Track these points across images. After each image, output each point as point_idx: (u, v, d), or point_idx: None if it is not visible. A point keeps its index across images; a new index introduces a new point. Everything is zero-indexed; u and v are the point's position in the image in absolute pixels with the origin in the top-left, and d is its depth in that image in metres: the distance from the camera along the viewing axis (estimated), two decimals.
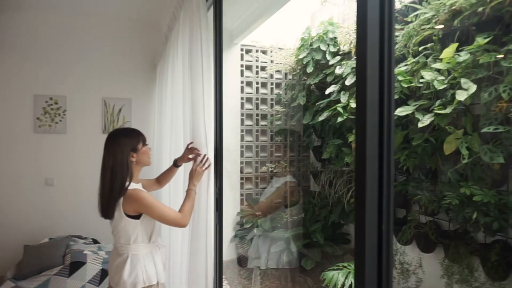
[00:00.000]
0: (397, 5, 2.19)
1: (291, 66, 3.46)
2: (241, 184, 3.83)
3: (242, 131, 3.83)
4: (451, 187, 1.87)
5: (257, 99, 3.89)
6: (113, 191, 1.53)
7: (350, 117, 2.51)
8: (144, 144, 1.66)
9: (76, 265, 2.86)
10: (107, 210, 1.56)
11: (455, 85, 1.74)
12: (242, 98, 3.83)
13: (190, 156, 1.80)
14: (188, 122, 1.91)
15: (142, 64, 3.83)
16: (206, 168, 1.71)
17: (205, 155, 1.72)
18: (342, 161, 2.86)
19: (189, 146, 1.81)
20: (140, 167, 1.69)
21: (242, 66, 3.83)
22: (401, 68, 2.04)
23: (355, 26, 0.80)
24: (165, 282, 1.70)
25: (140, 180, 1.75)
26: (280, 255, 3.27)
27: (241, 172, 3.83)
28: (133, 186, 1.58)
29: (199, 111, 1.77)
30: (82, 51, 3.64)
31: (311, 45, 3.08)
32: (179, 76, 2.27)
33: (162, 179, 1.95)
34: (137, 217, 1.56)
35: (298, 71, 3.44)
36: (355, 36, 0.83)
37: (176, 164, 1.90)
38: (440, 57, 1.80)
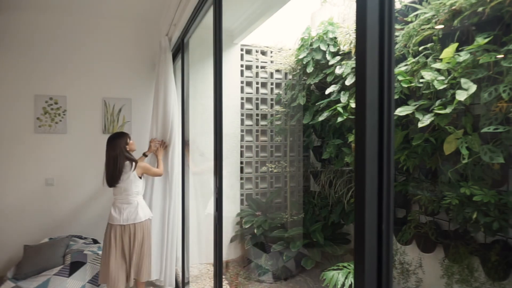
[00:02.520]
0: (397, 5, 2.19)
1: (291, 66, 3.46)
2: (241, 184, 3.84)
3: (242, 131, 3.83)
4: (451, 187, 1.87)
5: (257, 99, 3.89)
6: (117, 168, 2.64)
7: (350, 117, 2.51)
8: (130, 139, 2.79)
9: (76, 265, 2.87)
10: (114, 180, 2.65)
11: (455, 85, 1.74)
12: (242, 98, 3.83)
13: (154, 147, 3.16)
14: (160, 118, 3.23)
15: (142, 64, 3.83)
16: (166, 147, 3.19)
17: (162, 141, 3.20)
18: (342, 161, 2.86)
19: (151, 139, 3.20)
20: (131, 151, 2.80)
21: (242, 66, 3.83)
22: (401, 68, 2.04)
23: (355, 26, 0.80)
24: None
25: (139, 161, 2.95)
26: None
27: (241, 172, 3.83)
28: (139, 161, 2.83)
29: (168, 110, 3.17)
30: (82, 51, 3.64)
31: (311, 45, 3.08)
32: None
33: None
34: (140, 178, 2.76)
35: (298, 71, 3.44)
36: (355, 36, 0.83)
37: (145, 154, 3.17)
38: (440, 57, 1.80)
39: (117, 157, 2.64)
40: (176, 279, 3.37)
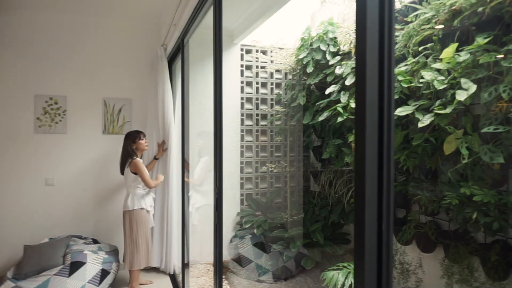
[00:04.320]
0: (397, 5, 2.19)
1: (291, 66, 3.46)
2: (241, 184, 3.84)
3: (242, 131, 3.83)
4: (451, 187, 1.87)
5: (257, 99, 3.89)
6: (122, 161, 3.13)
7: (350, 117, 2.51)
8: (140, 138, 3.12)
9: (76, 265, 2.87)
10: (121, 170, 3.14)
11: (455, 85, 1.74)
12: (242, 98, 3.83)
13: (163, 149, 3.50)
14: (160, 123, 3.53)
15: (142, 64, 3.83)
16: (165, 150, 3.51)
17: (163, 141, 3.51)
18: (342, 161, 2.87)
19: (159, 143, 3.52)
20: (140, 151, 3.15)
21: (242, 66, 3.83)
22: (401, 68, 2.04)
23: (355, 26, 0.80)
24: (151, 211, 3.22)
25: (150, 164, 3.49)
26: None
27: (241, 172, 3.83)
28: (137, 159, 3.07)
29: (167, 114, 3.46)
30: (82, 51, 3.64)
31: (311, 45, 3.08)
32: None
33: (148, 167, 3.43)
34: (135, 173, 3.06)
35: (298, 71, 3.44)
36: (355, 36, 0.83)
37: (155, 158, 3.52)
38: (440, 57, 1.79)
39: (123, 151, 3.11)
40: (175, 270, 3.42)
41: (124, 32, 3.76)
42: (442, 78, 1.78)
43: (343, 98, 2.60)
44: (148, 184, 3.04)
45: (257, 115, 3.90)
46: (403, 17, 2.15)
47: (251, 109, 3.87)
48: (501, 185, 1.72)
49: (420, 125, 1.82)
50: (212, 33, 1.93)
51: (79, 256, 2.96)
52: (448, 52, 1.73)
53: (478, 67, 1.64)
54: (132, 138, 3.08)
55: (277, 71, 3.90)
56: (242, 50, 3.83)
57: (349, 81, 2.52)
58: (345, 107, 2.55)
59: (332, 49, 2.95)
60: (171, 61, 3.64)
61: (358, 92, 0.78)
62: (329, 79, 2.85)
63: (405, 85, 1.98)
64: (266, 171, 3.83)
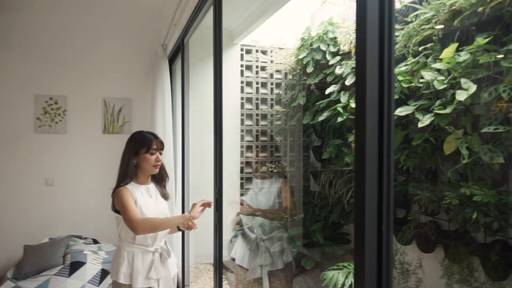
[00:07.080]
0: (397, 5, 2.19)
1: (291, 66, 3.46)
2: (241, 184, 3.84)
3: (242, 131, 3.83)
4: (451, 187, 1.87)
5: (257, 99, 3.89)
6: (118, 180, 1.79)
7: (350, 117, 2.50)
8: (149, 151, 1.75)
9: (76, 265, 2.87)
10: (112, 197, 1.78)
11: (455, 85, 1.73)
12: (242, 98, 3.83)
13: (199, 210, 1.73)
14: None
15: (142, 64, 3.83)
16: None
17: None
18: (342, 161, 2.86)
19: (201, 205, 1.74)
20: (142, 172, 1.81)
21: (242, 66, 3.83)
22: (401, 68, 2.04)
23: (355, 26, 0.80)
24: None
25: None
26: None
27: (241, 172, 3.83)
28: (129, 185, 1.77)
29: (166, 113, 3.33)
30: (82, 51, 3.64)
31: (311, 45, 3.08)
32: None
33: None
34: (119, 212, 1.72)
35: (298, 71, 3.43)
36: (355, 36, 0.83)
37: (179, 228, 1.86)
38: (440, 57, 1.79)
39: (120, 164, 1.84)
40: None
41: (124, 32, 3.76)
42: (442, 78, 1.78)
43: (343, 98, 2.59)
44: (131, 223, 1.62)
45: (257, 115, 3.89)
46: (403, 17, 2.15)
47: (251, 109, 3.87)
48: (501, 185, 1.72)
49: (420, 125, 1.82)
50: (212, 33, 1.93)
51: (79, 256, 2.96)
52: (448, 52, 1.73)
53: (478, 67, 1.64)
54: (136, 147, 1.76)
55: (277, 71, 3.90)
56: (242, 50, 3.82)
57: (349, 81, 2.52)
58: (345, 107, 2.54)
59: (332, 49, 2.95)
60: (171, 61, 3.64)
61: (358, 92, 0.78)
62: (329, 79, 2.85)
63: (405, 85, 1.98)
64: (266, 171, 3.83)
